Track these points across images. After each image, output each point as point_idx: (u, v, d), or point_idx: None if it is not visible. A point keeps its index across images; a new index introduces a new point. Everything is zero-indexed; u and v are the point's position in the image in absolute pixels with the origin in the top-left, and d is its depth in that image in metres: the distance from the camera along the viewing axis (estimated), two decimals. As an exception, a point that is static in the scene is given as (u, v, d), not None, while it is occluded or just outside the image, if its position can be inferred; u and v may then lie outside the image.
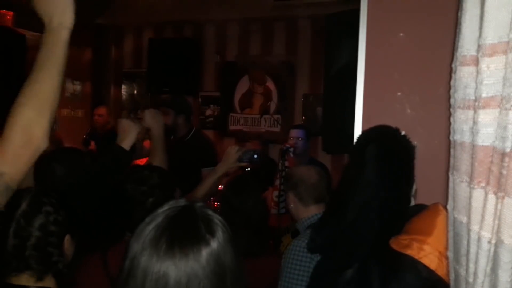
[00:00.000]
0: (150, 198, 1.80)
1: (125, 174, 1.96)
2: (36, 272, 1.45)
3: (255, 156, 2.62)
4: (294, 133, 4.11)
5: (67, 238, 1.55)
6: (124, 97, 6.76)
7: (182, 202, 1.03)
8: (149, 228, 0.96)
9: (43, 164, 2.02)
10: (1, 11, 4.42)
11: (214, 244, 0.94)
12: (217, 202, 3.69)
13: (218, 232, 0.97)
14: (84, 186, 2.02)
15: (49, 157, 2.09)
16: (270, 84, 5.90)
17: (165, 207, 1.01)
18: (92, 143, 4.91)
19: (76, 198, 1.83)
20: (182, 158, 3.50)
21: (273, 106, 5.91)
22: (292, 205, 2.33)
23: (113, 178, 2.08)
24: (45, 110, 1.22)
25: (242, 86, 6.03)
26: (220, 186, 3.08)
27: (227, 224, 1.01)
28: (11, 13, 4.46)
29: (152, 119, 2.48)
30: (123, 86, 6.76)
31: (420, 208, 1.35)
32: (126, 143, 2.20)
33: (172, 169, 2.35)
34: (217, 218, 1.00)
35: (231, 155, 2.58)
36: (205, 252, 0.92)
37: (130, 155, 2.23)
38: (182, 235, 0.94)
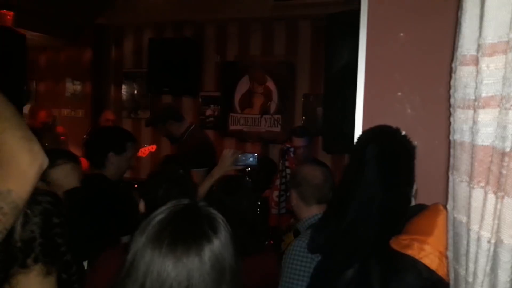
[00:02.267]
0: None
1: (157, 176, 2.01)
2: (44, 265, 1.45)
3: (251, 159, 2.62)
4: (297, 142, 4.03)
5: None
6: (124, 97, 6.76)
7: (186, 200, 1.05)
8: (153, 223, 0.98)
9: None
10: (1, 11, 4.43)
11: (216, 241, 0.96)
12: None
13: (220, 230, 0.99)
14: None
15: None
16: (270, 84, 5.91)
17: (169, 204, 1.03)
18: None
19: None
20: (183, 156, 3.58)
21: (273, 106, 5.91)
22: (294, 202, 2.33)
23: None
24: (25, 129, 1.22)
25: (242, 86, 6.03)
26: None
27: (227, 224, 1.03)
28: (11, 13, 4.46)
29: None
30: (123, 86, 6.75)
31: (420, 208, 1.35)
32: None
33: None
34: (219, 217, 1.02)
35: (227, 159, 2.59)
36: (207, 249, 0.94)
37: None
38: (185, 231, 0.97)
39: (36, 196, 1.48)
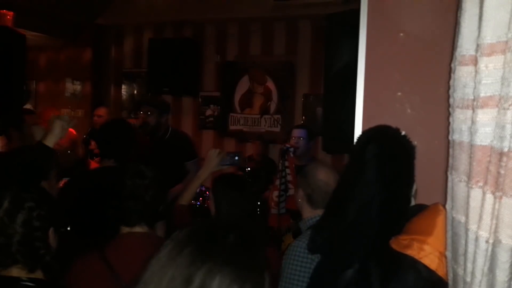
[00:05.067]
0: (150, 191, 1.82)
1: (121, 171, 1.97)
2: (25, 266, 1.47)
3: (236, 158, 2.60)
4: (296, 132, 4.11)
5: (51, 230, 1.56)
6: (124, 97, 6.77)
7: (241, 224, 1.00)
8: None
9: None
10: (1, 11, 4.42)
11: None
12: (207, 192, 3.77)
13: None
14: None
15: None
16: (270, 84, 5.91)
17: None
18: (93, 142, 4.90)
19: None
20: (166, 155, 3.59)
21: (273, 106, 5.91)
22: (299, 200, 2.27)
23: (35, 175, 2.10)
24: None
25: (242, 86, 6.04)
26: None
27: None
28: (11, 13, 4.46)
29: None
30: (123, 86, 6.76)
31: (420, 208, 1.35)
32: (49, 140, 2.23)
33: (157, 167, 2.35)
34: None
35: (213, 159, 2.57)
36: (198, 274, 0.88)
37: (52, 151, 2.25)
38: (204, 249, 0.92)
39: (20, 201, 1.49)
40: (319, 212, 2.19)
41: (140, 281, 0.92)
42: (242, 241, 0.94)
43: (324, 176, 2.22)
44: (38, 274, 1.50)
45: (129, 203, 1.79)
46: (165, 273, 0.89)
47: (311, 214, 2.22)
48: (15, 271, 1.47)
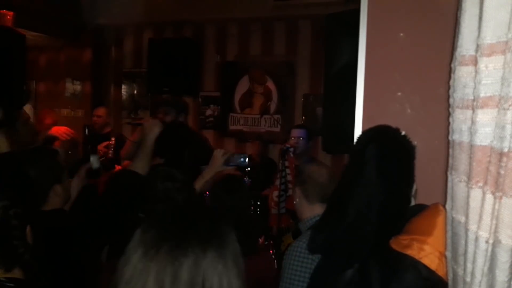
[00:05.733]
0: (182, 194, 1.82)
1: (151, 175, 1.96)
2: (2, 265, 1.46)
3: (242, 159, 2.59)
4: (296, 132, 4.11)
5: (28, 228, 1.55)
6: (124, 97, 6.76)
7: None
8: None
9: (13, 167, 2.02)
10: (1, 11, 4.42)
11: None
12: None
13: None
14: None
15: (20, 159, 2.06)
16: (270, 84, 5.91)
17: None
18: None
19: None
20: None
21: (273, 106, 5.91)
22: (297, 200, 2.30)
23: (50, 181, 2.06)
24: None
25: (242, 86, 6.04)
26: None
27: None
28: (11, 13, 4.46)
29: (150, 128, 2.53)
30: (123, 86, 6.76)
31: (420, 208, 1.35)
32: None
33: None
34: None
35: (218, 159, 2.55)
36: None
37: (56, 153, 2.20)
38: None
39: None
40: (317, 209, 2.22)
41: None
42: (210, 223, 1.00)
43: (315, 169, 2.31)
44: (16, 273, 1.48)
45: (160, 206, 1.79)
46: (147, 276, 0.90)
47: (309, 213, 2.25)
48: None
